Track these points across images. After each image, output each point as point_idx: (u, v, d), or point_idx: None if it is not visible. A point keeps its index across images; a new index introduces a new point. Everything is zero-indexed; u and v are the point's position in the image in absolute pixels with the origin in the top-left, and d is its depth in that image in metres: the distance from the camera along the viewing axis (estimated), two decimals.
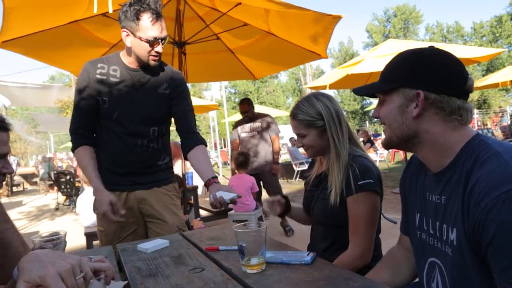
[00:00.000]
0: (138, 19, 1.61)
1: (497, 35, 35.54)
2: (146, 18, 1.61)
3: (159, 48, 1.68)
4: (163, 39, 1.67)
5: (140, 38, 1.64)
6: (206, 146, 1.87)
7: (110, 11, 2.29)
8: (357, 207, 1.34)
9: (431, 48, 0.96)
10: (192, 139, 1.83)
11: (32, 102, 12.94)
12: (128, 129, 1.75)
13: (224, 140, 22.15)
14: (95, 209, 1.72)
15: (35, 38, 3.10)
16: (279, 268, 1.07)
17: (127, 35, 1.67)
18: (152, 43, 1.65)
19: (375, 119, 1.11)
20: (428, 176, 1.00)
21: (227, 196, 1.50)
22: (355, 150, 1.44)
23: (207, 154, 1.88)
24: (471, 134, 0.92)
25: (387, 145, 1.02)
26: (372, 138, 11.57)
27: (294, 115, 1.46)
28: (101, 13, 2.86)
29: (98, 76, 1.75)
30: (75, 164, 13.88)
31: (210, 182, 1.65)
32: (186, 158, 1.83)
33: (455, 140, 0.91)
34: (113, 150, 1.76)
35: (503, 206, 0.75)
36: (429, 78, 0.91)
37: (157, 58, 1.71)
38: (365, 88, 1.06)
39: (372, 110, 1.22)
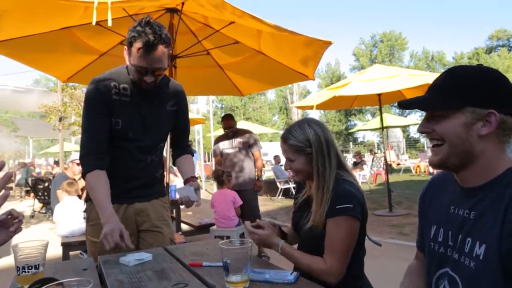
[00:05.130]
0: (131, 44, 1.57)
1: None
2: (136, 47, 1.55)
3: (147, 78, 1.61)
4: (154, 70, 1.60)
5: (130, 63, 1.61)
6: (192, 155, 2.02)
7: (109, 24, 2.29)
8: (334, 229, 1.34)
9: (492, 68, 0.96)
10: (183, 150, 1.98)
11: (11, 105, 12.61)
12: (141, 146, 1.74)
13: (208, 154, 22.02)
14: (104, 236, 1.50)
15: (23, 41, 3.07)
16: (262, 286, 1.08)
17: (126, 53, 1.63)
18: (141, 71, 1.60)
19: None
20: (456, 191, 1.00)
21: (186, 193, 1.74)
22: (341, 174, 1.44)
23: (193, 160, 2.03)
24: None
25: (440, 165, 0.97)
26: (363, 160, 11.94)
27: (285, 139, 1.48)
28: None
29: (114, 97, 1.68)
30: (54, 170, 13.54)
31: (188, 180, 1.82)
32: (174, 164, 1.98)
33: (502, 163, 0.92)
34: (124, 167, 1.72)
35: None
36: (503, 98, 0.91)
37: (148, 84, 1.64)
38: (416, 102, 1.01)
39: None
